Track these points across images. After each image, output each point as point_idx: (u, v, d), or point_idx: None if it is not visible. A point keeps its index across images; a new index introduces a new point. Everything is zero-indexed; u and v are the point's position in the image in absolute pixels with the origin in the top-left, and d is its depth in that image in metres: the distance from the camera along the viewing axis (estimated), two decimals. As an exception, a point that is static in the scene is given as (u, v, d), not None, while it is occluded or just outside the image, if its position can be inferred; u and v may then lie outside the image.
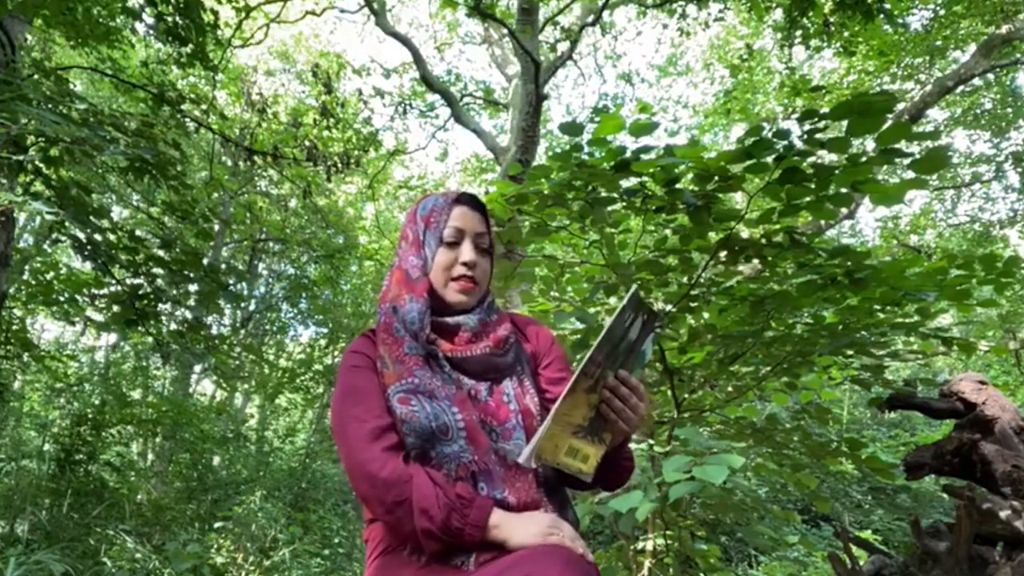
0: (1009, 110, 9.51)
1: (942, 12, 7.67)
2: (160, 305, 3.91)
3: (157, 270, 3.68)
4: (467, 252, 1.08)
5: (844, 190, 1.87)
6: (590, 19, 7.06)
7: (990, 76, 8.50)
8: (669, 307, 2.35)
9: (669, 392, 2.49)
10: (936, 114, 9.81)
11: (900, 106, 7.01)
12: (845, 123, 1.67)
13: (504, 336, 1.10)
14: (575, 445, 0.90)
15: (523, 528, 0.91)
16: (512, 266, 2.50)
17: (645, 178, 2.04)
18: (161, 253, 3.67)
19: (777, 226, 2.05)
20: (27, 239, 8.19)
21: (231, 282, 3.97)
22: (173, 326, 4.26)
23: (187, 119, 5.18)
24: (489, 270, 1.13)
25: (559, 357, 1.16)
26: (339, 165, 7.75)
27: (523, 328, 1.19)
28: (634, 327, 0.92)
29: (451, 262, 1.08)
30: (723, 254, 2.19)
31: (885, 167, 1.99)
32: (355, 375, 1.05)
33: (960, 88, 7.83)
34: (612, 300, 2.48)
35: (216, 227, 7.67)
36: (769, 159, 1.81)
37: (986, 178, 10.44)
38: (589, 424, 0.92)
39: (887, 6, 4.73)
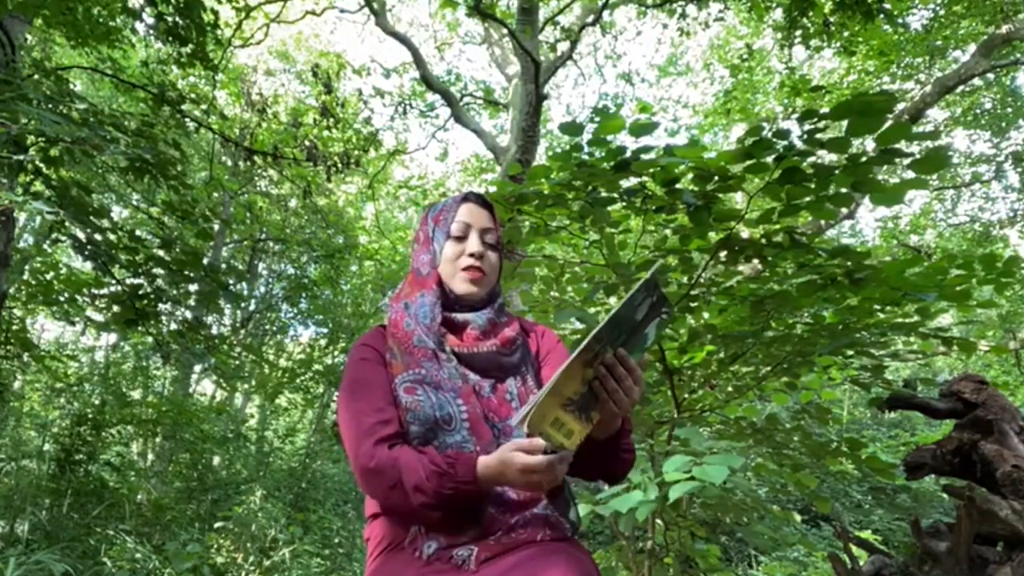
0: (1009, 110, 9.50)
1: (942, 12, 7.67)
2: (160, 305, 3.91)
3: (157, 270, 3.68)
4: (474, 243, 1.12)
5: (844, 190, 1.86)
6: (590, 19, 7.06)
7: (990, 76, 8.50)
8: (669, 307, 2.35)
9: (669, 392, 2.49)
10: (936, 114, 9.81)
11: (900, 106, 7.01)
12: (845, 123, 1.67)
13: (512, 337, 1.12)
14: (562, 418, 0.88)
15: (510, 471, 0.90)
16: (512, 266, 2.49)
17: (645, 178, 2.04)
18: (161, 253, 3.67)
19: (777, 226, 2.05)
20: (27, 239, 8.18)
21: (231, 282, 3.97)
22: (173, 326, 4.26)
23: (187, 119, 5.18)
24: (498, 265, 1.16)
25: (561, 354, 1.18)
26: (339, 165, 7.75)
27: (529, 330, 1.21)
28: (642, 308, 0.90)
29: (458, 254, 1.12)
30: (723, 254, 2.19)
31: (885, 167, 1.98)
32: (362, 367, 1.07)
33: (960, 88, 7.82)
34: (612, 300, 2.48)
35: (216, 227, 7.66)
36: (769, 159, 1.80)
37: (986, 178, 10.44)
38: (580, 399, 0.89)
39: (887, 6, 4.73)
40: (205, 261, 3.78)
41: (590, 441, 0.95)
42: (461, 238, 1.12)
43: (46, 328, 10.94)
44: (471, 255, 1.10)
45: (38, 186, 3.37)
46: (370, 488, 0.98)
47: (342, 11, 8.26)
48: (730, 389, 2.72)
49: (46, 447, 5.61)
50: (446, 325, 1.09)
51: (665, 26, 8.82)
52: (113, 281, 3.76)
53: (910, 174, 1.76)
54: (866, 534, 5.69)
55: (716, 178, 1.92)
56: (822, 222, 6.78)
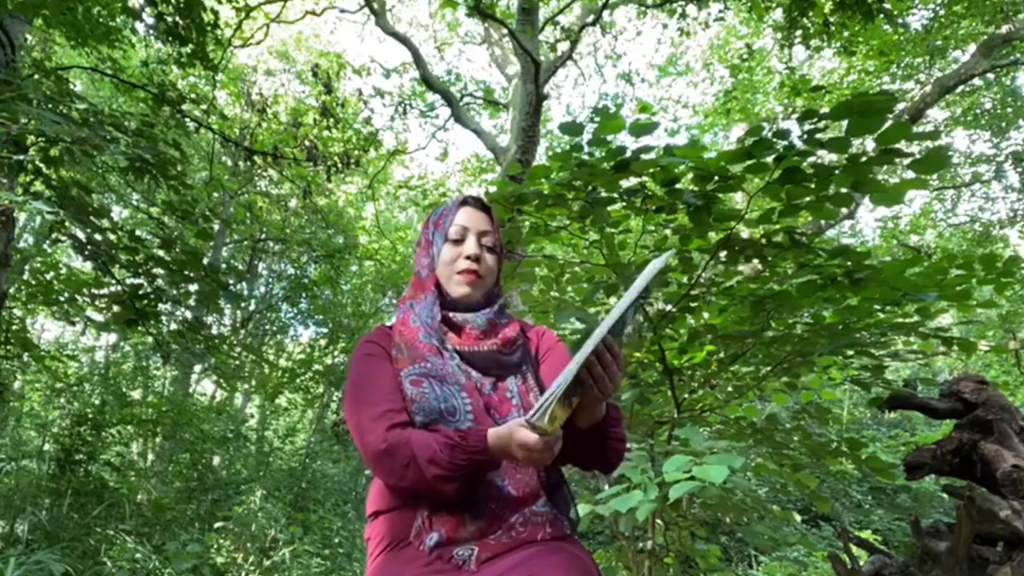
0: (1009, 110, 9.50)
1: (942, 12, 7.66)
2: (160, 305, 3.91)
3: (157, 270, 3.68)
4: (471, 246, 1.13)
5: (844, 190, 1.86)
6: (590, 19, 7.06)
7: (990, 76, 8.49)
8: (669, 307, 2.35)
9: (669, 392, 2.48)
10: (936, 114, 9.80)
11: (900, 106, 7.00)
12: (845, 123, 1.67)
13: (512, 337, 1.13)
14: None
15: (512, 445, 0.91)
16: (512, 266, 2.49)
17: (645, 178, 2.04)
18: (161, 253, 3.67)
19: (777, 226, 2.05)
20: (27, 239, 8.19)
21: (231, 282, 3.97)
22: (173, 326, 4.26)
23: (187, 119, 5.18)
24: (496, 268, 1.17)
25: (561, 354, 1.19)
26: (339, 165, 7.75)
27: (528, 330, 1.23)
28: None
29: (455, 256, 1.13)
30: (723, 254, 2.19)
31: (885, 167, 1.98)
32: (368, 363, 1.09)
33: (960, 88, 7.82)
34: (612, 300, 2.47)
35: (216, 227, 7.66)
36: (769, 159, 1.80)
37: (986, 178, 10.43)
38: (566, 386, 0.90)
39: (887, 6, 4.73)
40: (205, 261, 3.78)
41: (578, 430, 0.98)
42: (459, 241, 1.14)
43: (46, 328, 10.96)
44: (467, 258, 1.12)
45: (38, 186, 3.37)
46: (384, 470, 0.98)
47: (342, 11, 8.26)
48: (730, 389, 2.72)
49: (46, 447, 5.61)
50: (447, 324, 1.11)
51: (665, 26, 8.82)
52: (113, 281, 3.76)
53: (910, 174, 1.77)
54: (866, 534, 5.68)
55: (716, 178, 1.92)
56: (822, 222, 6.78)
